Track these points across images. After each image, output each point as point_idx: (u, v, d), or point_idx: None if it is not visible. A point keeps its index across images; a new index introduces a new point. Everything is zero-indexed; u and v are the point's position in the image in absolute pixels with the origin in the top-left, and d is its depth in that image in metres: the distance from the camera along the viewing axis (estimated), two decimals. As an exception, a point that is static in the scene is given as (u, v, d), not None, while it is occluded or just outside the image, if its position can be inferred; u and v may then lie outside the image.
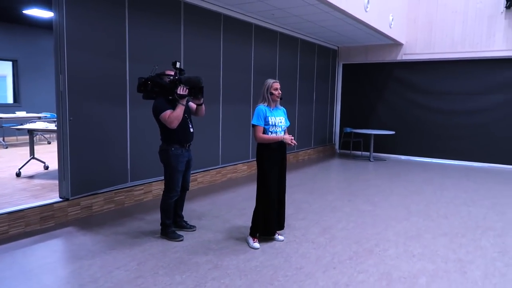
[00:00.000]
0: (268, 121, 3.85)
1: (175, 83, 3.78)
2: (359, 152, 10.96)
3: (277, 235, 4.15)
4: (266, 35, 7.87)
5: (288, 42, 8.68)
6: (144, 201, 5.51)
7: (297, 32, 8.85)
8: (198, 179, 6.47)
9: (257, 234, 4.02)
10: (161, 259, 3.58)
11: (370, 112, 10.98)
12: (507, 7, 8.74)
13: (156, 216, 4.55)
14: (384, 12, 8.41)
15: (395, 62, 10.47)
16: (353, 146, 11.04)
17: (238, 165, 7.42)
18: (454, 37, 9.53)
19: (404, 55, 10.23)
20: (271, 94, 3.90)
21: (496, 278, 3.41)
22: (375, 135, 10.09)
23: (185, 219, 4.44)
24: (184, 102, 3.81)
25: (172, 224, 4.19)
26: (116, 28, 4.95)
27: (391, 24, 8.87)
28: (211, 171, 6.77)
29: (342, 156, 10.72)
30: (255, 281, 3.21)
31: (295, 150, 9.31)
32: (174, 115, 3.74)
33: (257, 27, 7.56)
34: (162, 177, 4.24)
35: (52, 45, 4.46)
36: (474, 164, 9.58)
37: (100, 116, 4.82)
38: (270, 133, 3.87)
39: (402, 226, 4.76)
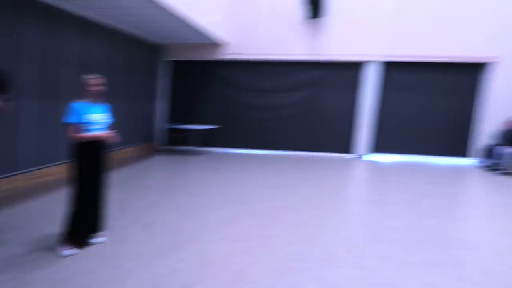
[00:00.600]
0: (86, 119, 3.65)
1: None
2: (185, 147, 11.27)
3: (96, 237, 3.99)
4: (82, 27, 7.30)
5: (109, 35, 8.26)
6: None
7: (120, 25, 8.48)
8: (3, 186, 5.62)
9: (73, 240, 3.79)
10: None
11: (196, 107, 11.40)
12: (313, 17, 10.23)
13: None
14: (206, 12, 8.86)
15: (218, 61, 11.13)
16: (179, 142, 11.28)
17: (44, 169, 6.70)
18: (265, 41, 10.69)
19: (225, 54, 10.97)
20: (89, 90, 3.72)
21: (292, 246, 4.08)
22: (200, 130, 10.54)
23: None
24: None
25: None
26: None
27: (213, 24, 9.40)
28: (10, 177, 5.94)
29: (168, 152, 10.82)
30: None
31: (117, 148, 8.95)
32: None
33: (71, 16, 6.95)
34: None
35: None
36: (282, 152, 11.00)
37: None
38: (87, 131, 3.67)
39: (220, 213, 5.17)
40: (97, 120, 3.75)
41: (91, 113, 3.72)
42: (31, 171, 6.36)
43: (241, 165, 8.99)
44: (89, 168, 3.76)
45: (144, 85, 10.35)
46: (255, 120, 11.18)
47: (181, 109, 11.49)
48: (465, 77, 10.18)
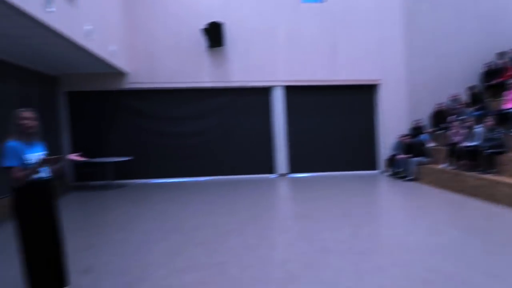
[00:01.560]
0: (26, 159, 3.20)
1: None
2: (97, 182, 10.46)
3: None
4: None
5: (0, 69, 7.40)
6: None
7: (13, 57, 7.66)
8: None
9: None
10: None
11: (103, 140, 10.70)
12: (209, 47, 10.47)
13: None
14: (105, 41, 8.43)
15: (122, 90, 10.65)
16: (90, 177, 10.43)
17: None
18: (171, 69, 10.61)
19: (130, 84, 10.57)
20: (20, 125, 3.26)
21: (248, 270, 4.05)
22: (112, 162, 9.90)
23: None
24: None
25: None
26: None
27: (114, 53, 8.98)
28: None
29: (79, 188, 9.93)
30: None
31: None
32: None
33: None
34: None
35: None
36: (203, 179, 10.86)
37: None
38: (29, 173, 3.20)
39: (163, 246, 4.91)
40: (37, 159, 3.28)
41: (30, 153, 3.27)
42: None
43: (165, 195, 8.67)
44: (41, 215, 3.29)
45: (42, 120, 9.42)
46: (169, 148, 10.92)
47: (86, 142, 10.62)
48: (359, 98, 11.43)
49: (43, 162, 3.23)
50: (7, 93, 7.67)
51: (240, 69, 10.77)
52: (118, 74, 10.34)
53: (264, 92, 11.09)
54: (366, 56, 11.04)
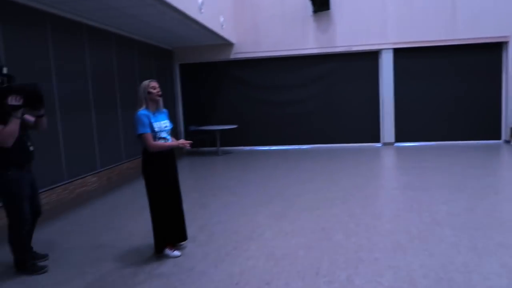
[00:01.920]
0: (154, 127, 3.54)
1: (4, 93, 3.17)
2: (206, 149, 11.25)
3: (179, 247, 3.88)
4: (100, 38, 7.30)
5: (125, 44, 8.24)
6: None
7: (134, 33, 8.47)
8: (43, 200, 5.62)
9: (168, 244, 3.74)
10: (29, 298, 3.03)
11: (211, 109, 11.37)
12: (314, 12, 10.21)
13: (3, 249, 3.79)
14: (215, 13, 8.79)
15: (228, 61, 11.09)
16: (200, 144, 11.26)
17: (87, 177, 6.73)
18: (276, 37, 10.64)
19: (236, 54, 10.93)
20: (150, 93, 3.57)
21: (353, 237, 4.04)
22: (219, 130, 10.51)
23: (35, 249, 3.76)
24: (19, 115, 3.21)
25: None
26: None
27: (223, 25, 9.34)
28: (56, 188, 5.97)
29: (191, 154, 10.81)
30: (150, 293, 3.03)
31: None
32: (7, 131, 3.13)
33: (90, 28, 6.95)
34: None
35: None
36: (304, 147, 10.94)
37: None
38: (157, 139, 3.57)
39: (268, 210, 5.14)
40: (163, 127, 3.64)
41: (157, 121, 3.61)
42: (74, 181, 6.39)
43: (269, 162, 8.95)
44: (166, 176, 3.67)
45: (163, 90, 10.32)
46: (273, 116, 11.11)
47: (196, 111, 11.45)
48: (481, 59, 10.13)
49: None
50: (131, 67, 8.55)
51: (346, 33, 10.34)
52: (225, 45, 10.75)
53: (371, 57, 10.53)
54: (492, 9, 9.63)
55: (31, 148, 3.46)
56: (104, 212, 5.40)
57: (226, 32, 9.74)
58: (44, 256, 3.74)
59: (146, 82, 3.62)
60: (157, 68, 9.99)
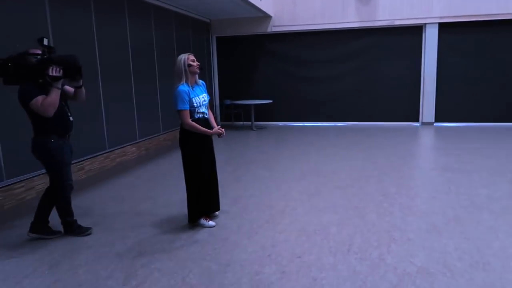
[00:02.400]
0: (193, 102, 3.58)
1: (45, 63, 3.21)
2: (241, 123, 11.34)
3: (212, 217, 4.01)
4: (140, 8, 7.39)
5: (163, 16, 8.30)
6: (27, 199, 4.82)
7: (171, 4, 8.51)
8: (85, 167, 5.92)
9: (202, 215, 3.87)
10: (76, 257, 3.25)
11: (246, 83, 11.37)
12: None
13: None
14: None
15: (266, 34, 10.95)
16: (234, 117, 11.35)
17: (127, 147, 6.99)
18: (315, 10, 10.37)
19: (273, 27, 10.77)
20: (190, 66, 3.58)
21: (387, 216, 4.02)
22: (254, 104, 10.53)
23: (85, 211, 3.98)
24: (59, 85, 3.28)
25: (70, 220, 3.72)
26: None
27: (260, -3, 9.20)
28: (98, 157, 6.25)
29: (225, 128, 10.88)
30: (186, 259, 3.17)
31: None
32: (48, 101, 3.20)
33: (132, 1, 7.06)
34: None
35: None
36: (340, 124, 10.79)
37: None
38: (196, 114, 3.62)
39: (301, 185, 5.18)
40: (202, 102, 3.68)
41: (196, 96, 3.63)
42: (115, 150, 6.66)
43: (303, 138, 8.92)
44: (202, 150, 3.74)
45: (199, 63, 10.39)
46: (308, 91, 10.97)
47: (231, 85, 11.48)
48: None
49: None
50: (169, 38, 8.64)
51: (389, 6, 9.91)
52: (263, 18, 10.60)
53: (414, 31, 10.08)
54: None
55: (71, 118, 3.56)
56: (143, 181, 5.61)
57: (264, 5, 9.59)
58: (88, 229, 3.78)
59: (184, 55, 3.61)
60: (194, 40, 10.04)
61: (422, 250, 3.23)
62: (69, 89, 3.60)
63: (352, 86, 10.69)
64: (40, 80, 3.24)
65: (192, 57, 3.64)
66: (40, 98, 3.19)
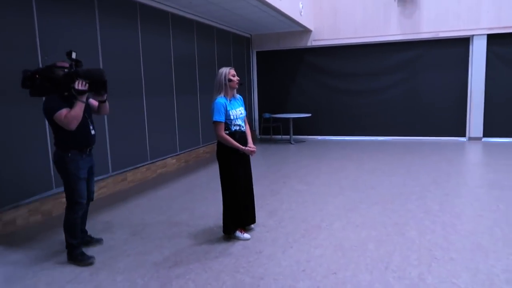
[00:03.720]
0: (230, 115, 3.64)
1: (72, 77, 3.19)
2: (279, 136, 11.35)
3: (248, 230, 4.03)
4: (183, 25, 7.67)
5: (205, 31, 8.56)
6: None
7: (213, 20, 8.76)
8: (128, 177, 6.14)
9: (238, 227, 3.90)
10: (115, 265, 3.36)
11: (285, 96, 11.39)
12: None
13: (99, 217, 4.24)
14: (295, 0, 8.73)
15: (305, 48, 10.98)
16: (273, 131, 11.38)
17: (167, 159, 7.19)
18: (356, 24, 10.29)
19: (314, 41, 10.78)
20: (230, 80, 3.67)
21: (428, 234, 3.85)
22: (293, 118, 10.51)
23: (124, 221, 4.00)
24: (84, 99, 3.26)
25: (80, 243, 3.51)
26: (22, 17, 4.41)
27: (301, 11, 9.25)
28: (140, 168, 6.47)
29: (264, 141, 10.99)
30: (220, 271, 3.19)
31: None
32: (72, 115, 3.16)
33: (174, 16, 7.32)
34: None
35: None
36: (381, 138, 10.53)
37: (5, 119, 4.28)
38: (233, 127, 3.68)
39: (339, 200, 5.08)
40: (238, 115, 3.73)
41: (233, 109, 3.70)
42: (156, 161, 6.87)
43: (342, 152, 8.78)
44: (239, 162, 3.77)
45: (239, 77, 10.57)
46: (348, 105, 10.82)
47: (271, 99, 11.54)
48: None
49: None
50: (211, 53, 8.88)
51: (433, 18, 9.64)
52: (303, 32, 10.65)
53: (459, 44, 9.73)
54: None
55: (93, 132, 3.51)
56: (181, 193, 5.73)
57: (304, 19, 9.64)
58: (99, 240, 3.81)
59: (225, 69, 3.70)
60: (235, 55, 10.24)
61: (466, 270, 3.06)
62: (93, 102, 3.61)
63: (395, 100, 10.43)
64: (66, 93, 3.22)
65: (233, 71, 3.73)
66: (64, 111, 3.18)
